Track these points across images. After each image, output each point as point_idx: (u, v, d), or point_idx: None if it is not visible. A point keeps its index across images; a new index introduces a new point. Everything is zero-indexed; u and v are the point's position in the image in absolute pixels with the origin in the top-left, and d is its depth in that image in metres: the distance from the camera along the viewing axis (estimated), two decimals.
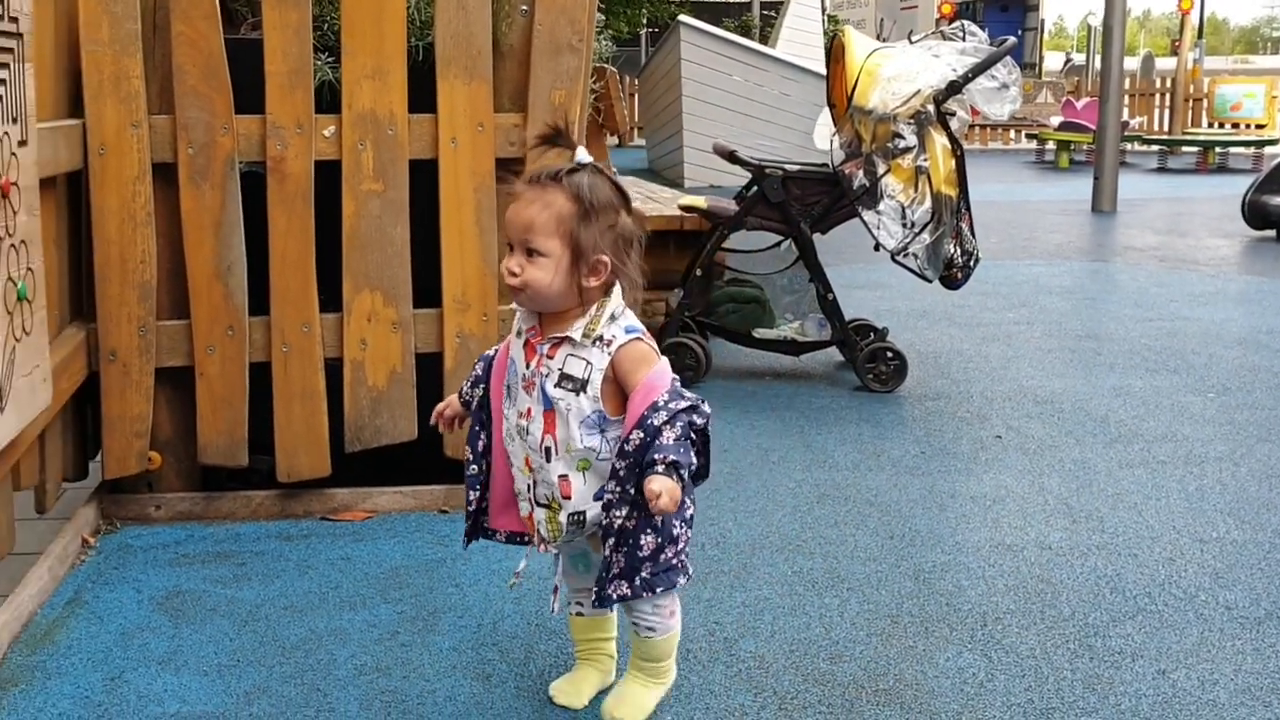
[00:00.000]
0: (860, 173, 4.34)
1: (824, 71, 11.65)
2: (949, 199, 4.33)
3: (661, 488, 1.86)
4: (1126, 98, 17.94)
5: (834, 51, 4.76)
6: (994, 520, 3.23)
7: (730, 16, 21.33)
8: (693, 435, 1.97)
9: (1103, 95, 10.74)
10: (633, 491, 1.96)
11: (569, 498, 2.05)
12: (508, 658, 2.43)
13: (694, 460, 1.97)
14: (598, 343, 1.99)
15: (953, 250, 4.40)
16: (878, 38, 13.96)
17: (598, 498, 2.04)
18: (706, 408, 2.01)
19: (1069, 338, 5.55)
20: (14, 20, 2.25)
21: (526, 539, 2.18)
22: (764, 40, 15.95)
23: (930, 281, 4.46)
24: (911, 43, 4.67)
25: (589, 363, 2.00)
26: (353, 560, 2.89)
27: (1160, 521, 3.22)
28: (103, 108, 2.88)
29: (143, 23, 2.90)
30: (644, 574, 2.04)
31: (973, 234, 4.49)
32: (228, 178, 2.97)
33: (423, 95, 3.04)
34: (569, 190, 1.95)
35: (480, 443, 2.18)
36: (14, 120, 2.26)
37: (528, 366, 2.05)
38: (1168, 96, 19.62)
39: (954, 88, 4.28)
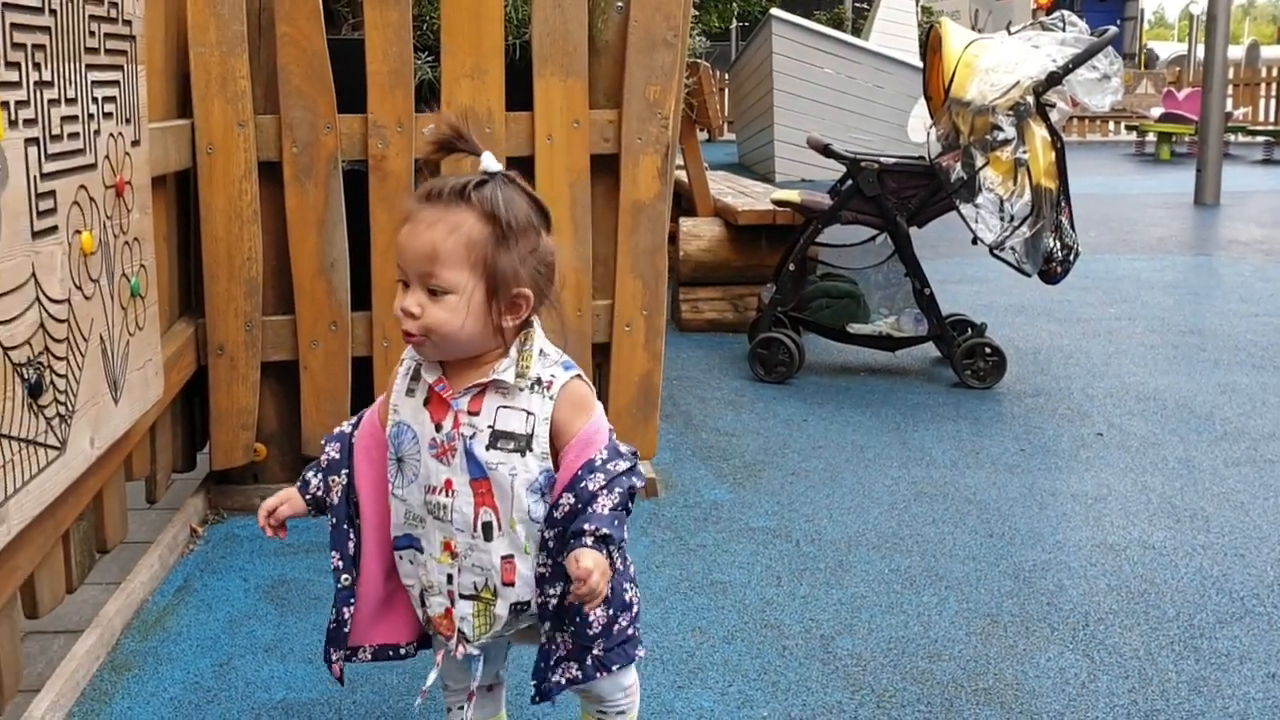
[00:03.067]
0: (958, 165, 4.29)
1: (918, 64, 11.53)
2: (1049, 192, 4.26)
3: (594, 565, 1.54)
4: (1230, 88, 17.45)
5: (930, 43, 4.70)
6: (1096, 519, 3.17)
7: (822, 9, 21.14)
8: (630, 505, 1.64)
9: (1206, 85, 10.46)
10: (564, 563, 1.62)
11: (511, 584, 1.67)
12: None
13: (626, 535, 1.63)
14: (536, 386, 1.63)
15: (1052, 244, 4.32)
16: (972, 29, 13.76)
17: (539, 584, 1.69)
18: (643, 468, 1.71)
19: (1172, 333, 5.42)
20: (127, 23, 2.31)
21: (404, 650, 1.85)
22: (856, 32, 15.79)
23: (1029, 276, 4.38)
24: (1010, 34, 4.60)
25: (529, 413, 1.62)
26: None
27: (1268, 521, 3.14)
28: (210, 108, 2.95)
29: (248, 24, 2.96)
30: (596, 652, 1.73)
31: (1073, 227, 4.40)
32: (331, 176, 3.02)
33: (519, 93, 3.07)
34: (480, 208, 1.57)
35: (350, 545, 1.77)
36: (127, 121, 2.32)
37: (438, 429, 1.65)
38: (1274, 86, 19.04)
39: (1054, 79, 4.21)
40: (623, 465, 1.63)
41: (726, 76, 16.05)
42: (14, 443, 1.78)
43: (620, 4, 3.11)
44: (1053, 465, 3.61)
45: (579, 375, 1.66)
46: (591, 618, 1.70)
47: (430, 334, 1.58)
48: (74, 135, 2.03)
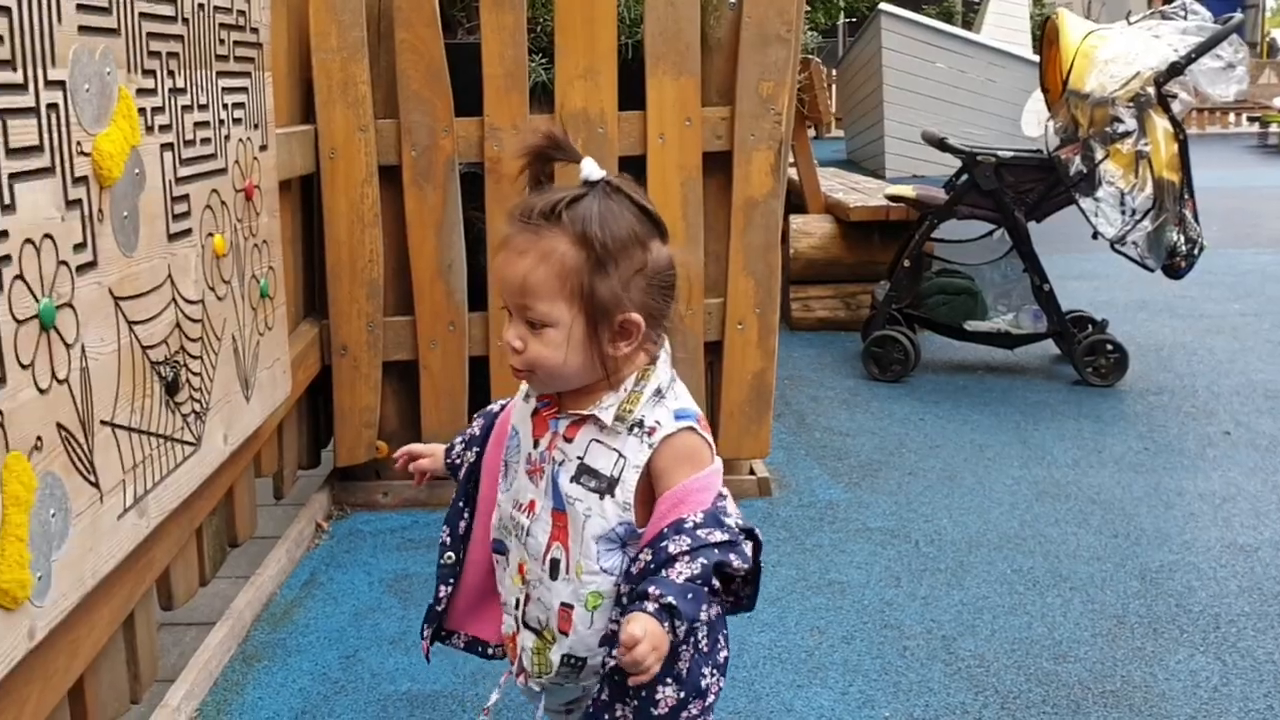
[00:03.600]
0: (1077, 158, 4.19)
1: (1031, 57, 11.28)
2: (1171, 184, 4.14)
3: (643, 632, 1.30)
4: None
5: (1047, 34, 4.60)
6: (1225, 519, 3.07)
7: (930, 3, 20.86)
8: (715, 584, 1.39)
9: None
10: None
11: (566, 634, 1.49)
12: None
13: (701, 615, 1.40)
14: (636, 430, 1.45)
15: (1176, 238, 4.20)
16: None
17: (604, 641, 1.48)
18: (749, 547, 1.46)
19: None
20: (254, 31, 2.38)
21: (491, 651, 1.72)
22: (966, 26, 15.53)
23: (1152, 271, 4.26)
24: (1130, 24, 4.48)
25: (621, 456, 1.45)
26: None
27: None
28: (333, 113, 3.02)
29: (368, 30, 3.03)
30: None
31: (1196, 220, 4.27)
32: (448, 178, 3.07)
33: (631, 92, 3.08)
34: (571, 230, 1.40)
35: (462, 524, 1.67)
36: (255, 126, 2.39)
37: (535, 445, 1.52)
38: None
39: (1175, 69, 4.09)
40: (718, 536, 1.39)
41: (834, 73, 15.92)
42: (152, 438, 1.84)
43: (733, 1, 3.10)
44: (1178, 464, 3.51)
45: (692, 427, 1.46)
46: (659, 695, 1.46)
47: (535, 368, 1.44)
48: (205, 140, 2.09)
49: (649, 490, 1.45)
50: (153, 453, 1.83)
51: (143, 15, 1.82)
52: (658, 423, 1.45)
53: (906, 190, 4.80)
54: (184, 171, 1.98)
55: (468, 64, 3.06)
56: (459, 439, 1.72)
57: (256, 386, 2.36)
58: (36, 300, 1.47)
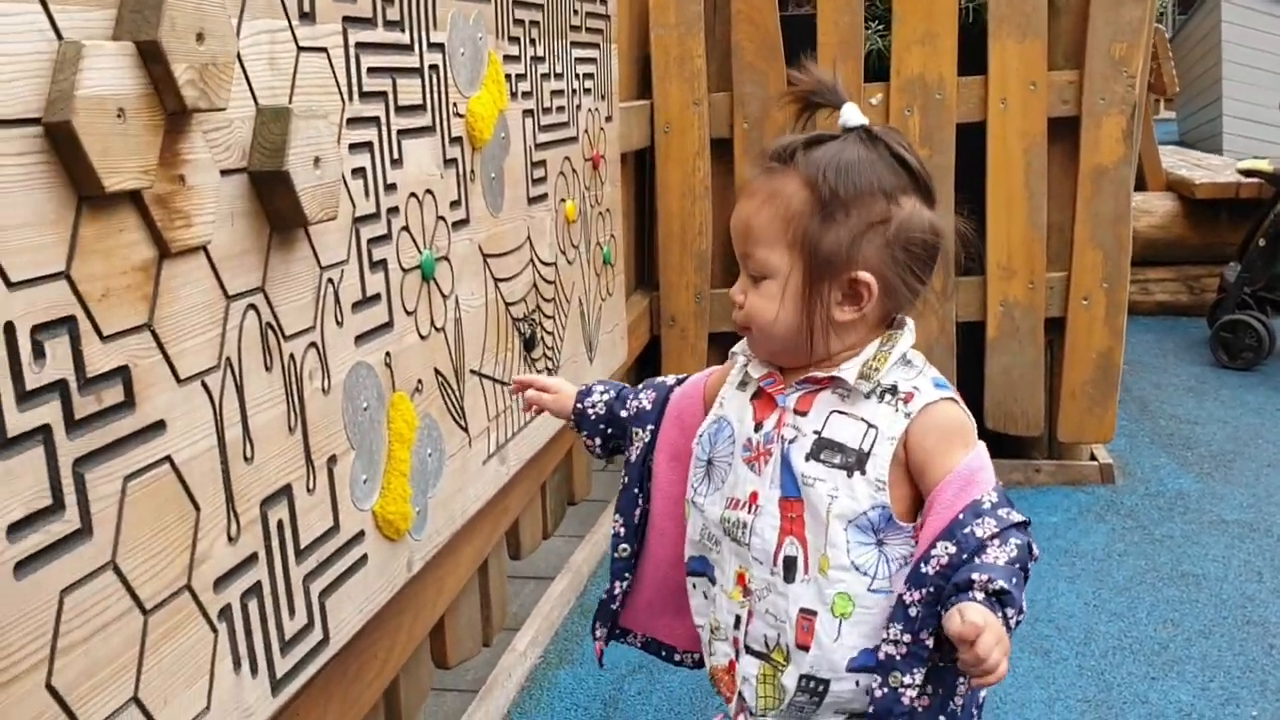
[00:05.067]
0: None
1: None
2: None
3: (985, 622, 1.10)
4: None
5: None
6: None
7: None
8: (1026, 568, 1.19)
9: None
10: (930, 643, 1.19)
11: (806, 649, 1.25)
12: (1066, 635, 2.32)
13: (1024, 605, 1.17)
14: (888, 397, 1.25)
15: None
16: None
17: (857, 666, 1.24)
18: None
19: None
20: (603, 2, 2.44)
21: (679, 657, 1.52)
22: None
23: None
24: None
25: (871, 426, 1.24)
26: None
27: None
28: (669, 87, 3.06)
29: (704, 4, 3.05)
30: None
31: None
32: None
33: (969, 57, 2.97)
34: (803, 173, 1.24)
35: (637, 512, 1.48)
36: (602, 97, 2.45)
37: (758, 429, 1.31)
38: None
39: None
40: (1017, 516, 1.20)
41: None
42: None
43: None
44: None
45: (953, 398, 1.27)
46: None
47: (750, 322, 1.29)
48: (560, 109, 2.16)
49: (911, 483, 1.24)
50: (511, 404, 1.91)
51: None
52: (915, 389, 1.25)
53: (1263, 164, 4.43)
54: (542, 138, 2.05)
55: (800, 36, 3.04)
56: (599, 386, 1.55)
57: (599, 350, 2.43)
58: (419, 252, 1.56)
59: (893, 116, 3.00)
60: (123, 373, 0.98)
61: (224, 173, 1.11)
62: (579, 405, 1.53)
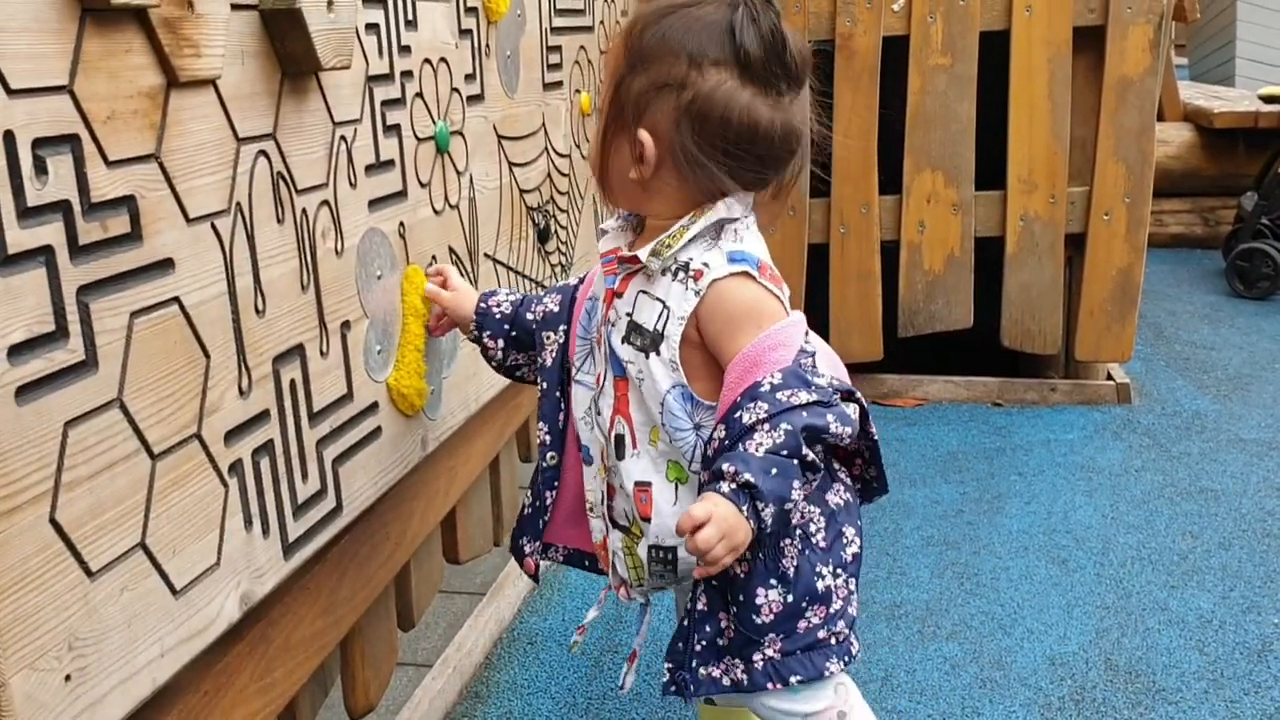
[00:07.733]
0: None
1: None
2: None
3: (709, 515, 1.08)
4: None
5: None
6: None
7: None
8: (809, 455, 1.13)
9: None
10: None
11: (648, 519, 1.26)
12: (1084, 546, 2.28)
13: (793, 493, 1.12)
14: (681, 274, 1.21)
15: None
16: None
17: None
18: (851, 408, 1.19)
19: None
20: None
21: (589, 563, 1.46)
22: None
23: None
24: None
25: (664, 306, 1.21)
26: (908, 442, 2.85)
27: None
28: None
29: None
30: (769, 651, 1.22)
31: None
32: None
33: None
34: (626, 25, 1.24)
35: (561, 417, 1.39)
36: None
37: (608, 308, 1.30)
38: None
39: None
40: (804, 396, 1.13)
41: None
42: (525, 281, 1.86)
43: None
44: None
45: (748, 271, 1.19)
46: (761, 600, 1.20)
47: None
48: None
49: (709, 359, 1.21)
50: (526, 292, 1.85)
51: None
52: (706, 265, 1.19)
53: None
54: (558, 22, 1.98)
55: None
56: (503, 290, 1.47)
57: None
58: (433, 122, 1.50)
59: (915, 23, 2.92)
60: (129, 202, 0.93)
61: (235, 7, 1.05)
62: (482, 305, 1.45)
